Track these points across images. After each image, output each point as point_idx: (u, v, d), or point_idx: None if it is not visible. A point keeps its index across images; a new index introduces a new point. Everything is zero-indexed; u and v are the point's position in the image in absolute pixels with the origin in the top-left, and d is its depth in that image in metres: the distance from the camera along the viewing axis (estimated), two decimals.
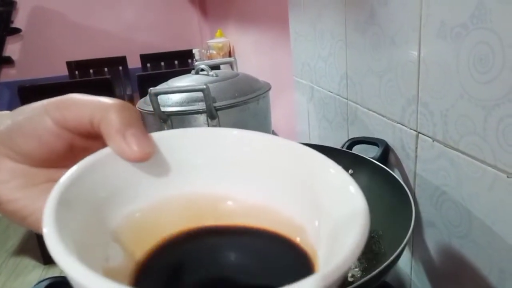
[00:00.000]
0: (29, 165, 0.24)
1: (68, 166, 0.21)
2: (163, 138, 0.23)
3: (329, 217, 0.20)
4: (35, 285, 0.40)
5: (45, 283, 0.40)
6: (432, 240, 0.52)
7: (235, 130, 0.24)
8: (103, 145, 0.22)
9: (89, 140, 0.24)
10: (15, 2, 2.70)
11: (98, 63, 2.64)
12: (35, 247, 1.98)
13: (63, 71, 2.61)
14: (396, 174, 0.53)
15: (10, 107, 2.51)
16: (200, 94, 0.68)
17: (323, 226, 0.21)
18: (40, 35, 2.91)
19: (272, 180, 0.23)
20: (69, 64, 2.61)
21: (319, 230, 0.21)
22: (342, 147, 0.65)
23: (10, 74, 2.94)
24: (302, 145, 0.23)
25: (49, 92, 1.67)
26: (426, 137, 0.50)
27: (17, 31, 2.80)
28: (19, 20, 2.83)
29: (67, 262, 0.15)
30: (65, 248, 0.15)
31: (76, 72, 2.62)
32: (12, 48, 2.88)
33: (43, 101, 0.24)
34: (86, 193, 0.20)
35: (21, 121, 0.23)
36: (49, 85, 1.68)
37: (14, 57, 2.90)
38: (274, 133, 1.27)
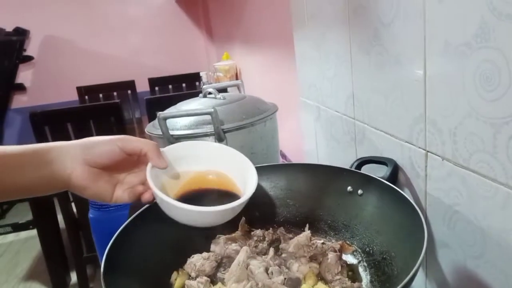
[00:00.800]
0: (99, 168, 0.47)
1: (118, 171, 0.49)
2: (170, 150, 0.52)
3: (243, 178, 0.51)
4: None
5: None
6: (446, 260, 0.51)
7: (214, 143, 0.64)
8: (138, 162, 0.50)
9: (132, 160, 0.49)
10: (28, 31, 2.78)
11: (107, 88, 2.69)
12: (44, 272, 1.97)
13: (73, 96, 2.66)
14: (407, 194, 0.53)
15: (22, 133, 2.53)
16: (208, 117, 0.68)
17: (242, 182, 0.51)
18: (51, 62, 2.99)
19: (228, 165, 0.53)
20: (79, 89, 2.66)
21: (242, 184, 0.51)
22: (351, 167, 0.64)
23: (22, 101, 3.00)
24: (236, 151, 0.54)
25: (60, 119, 1.68)
26: (435, 155, 0.50)
27: (29, 58, 2.88)
28: (31, 48, 2.91)
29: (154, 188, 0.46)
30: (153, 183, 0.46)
31: (86, 97, 2.67)
32: (24, 75, 2.96)
33: (113, 136, 0.47)
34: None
35: (100, 144, 0.47)
36: (59, 111, 1.71)
37: (26, 84, 2.97)
38: (282, 153, 1.27)
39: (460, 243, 0.48)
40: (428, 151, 0.51)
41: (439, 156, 0.49)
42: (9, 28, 2.66)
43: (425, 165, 0.52)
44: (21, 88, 2.92)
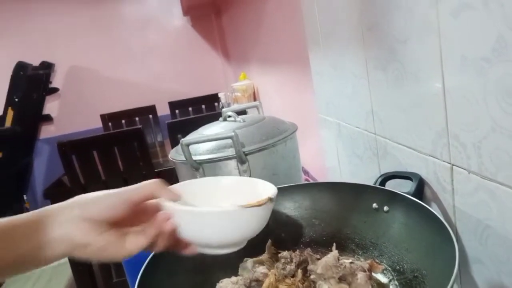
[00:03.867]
0: (103, 222, 0.41)
1: (126, 226, 0.42)
2: (183, 185, 0.51)
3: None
4: None
5: None
6: (481, 277, 0.50)
7: (223, 178, 0.56)
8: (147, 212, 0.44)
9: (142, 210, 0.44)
10: (53, 65, 2.91)
11: (129, 114, 2.76)
12: None
13: (98, 123, 2.74)
14: (434, 209, 0.52)
15: (50, 161, 2.62)
16: (229, 140, 0.69)
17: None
18: (75, 91, 3.11)
19: (242, 195, 0.49)
20: (103, 117, 2.75)
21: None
22: (375, 183, 0.64)
23: (50, 131, 3.11)
24: (251, 178, 0.55)
25: (86, 147, 1.73)
26: (461, 169, 0.49)
27: (55, 90, 3.00)
28: (57, 79, 3.04)
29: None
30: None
31: (110, 124, 2.75)
32: (50, 106, 3.08)
33: (114, 190, 0.42)
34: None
35: (99, 200, 0.42)
36: (85, 140, 1.76)
37: (52, 114, 3.09)
38: (304, 170, 1.27)
39: (493, 259, 0.46)
40: (453, 165, 0.51)
41: (465, 169, 0.48)
42: (36, 62, 2.79)
43: (451, 179, 0.51)
44: (48, 119, 3.04)
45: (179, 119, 2.59)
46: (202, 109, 2.73)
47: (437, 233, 0.47)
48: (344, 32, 0.75)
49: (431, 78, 0.51)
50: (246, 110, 1.03)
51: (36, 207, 3.23)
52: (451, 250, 0.42)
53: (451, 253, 0.42)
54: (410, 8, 0.52)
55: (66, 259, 1.94)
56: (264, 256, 0.59)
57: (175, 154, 0.78)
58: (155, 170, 1.80)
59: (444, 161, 0.52)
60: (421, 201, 0.53)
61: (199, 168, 0.72)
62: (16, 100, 2.69)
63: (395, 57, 0.58)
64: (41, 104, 2.87)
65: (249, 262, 0.58)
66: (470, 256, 0.51)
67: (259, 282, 0.54)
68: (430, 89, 0.52)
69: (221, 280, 0.56)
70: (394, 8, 0.56)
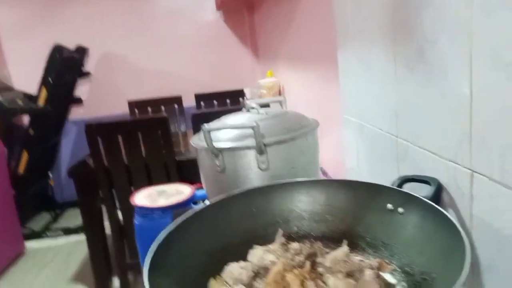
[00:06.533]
0: None
1: None
2: None
3: None
4: None
5: None
6: (492, 286, 0.49)
7: None
8: None
9: None
10: (88, 49, 3.00)
11: (155, 102, 2.82)
12: (90, 275, 2.07)
13: (125, 110, 2.81)
14: (450, 215, 0.51)
15: (77, 142, 2.71)
16: (250, 130, 0.70)
17: None
18: (106, 77, 3.20)
19: None
20: (130, 104, 2.81)
21: None
22: (393, 184, 0.63)
23: (79, 113, 3.22)
24: None
25: (111, 130, 1.80)
26: (481, 176, 0.48)
27: (87, 74, 3.10)
28: (90, 64, 3.13)
29: None
30: None
31: (136, 111, 2.81)
32: (81, 90, 3.18)
33: None
34: None
35: None
36: (111, 124, 1.81)
37: (83, 97, 3.19)
38: (322, 170, 1.26)
39: (508, 268, 0.45)
40: (473, 171, 0.50)
41: (486, 176, 0.47)
42: (71, 46, 2.89)
43: (471, 186, 0.51)
44: (78, 101, 3.13)
45: (203, 110, 2.62)
46: (227, 103, 2.75)
47: (450, 238, 0.46)
48: (374, 29, 0.75)
49: (459, 80, 0.50)
50: (270, 104, 1.04)
51: (60, 184, 3.35)
52: (463, 255, 0.42)
53: (463, 259, 0.41)
54: (443, 6, 0.51)
55: (83, 237, 2.00)
56: (274, 246, 0.59)
57: (196, 140, 0.80)
58: (177, 159, 1.84)
59: (464, 167, 0.51)
60: (438, 206, 0.52)
61: (218, 155, 0.73)
62: (50, 81, 2.79)
63: (424, 57, 0.58)
64: (73, 86, 2.97)
65: (259, 249, 0.59)
66: (483, 264, 0.50)
67: (266, 270, 0.55)
68: (457, 92, 0.51)
69: (229, 264, 0.57)
70: (427, 5, 0.55)
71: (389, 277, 0.53)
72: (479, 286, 0.51)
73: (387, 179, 0.74)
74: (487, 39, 0.44)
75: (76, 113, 3.21)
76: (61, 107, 2.96)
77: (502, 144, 0.44)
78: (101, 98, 3.22)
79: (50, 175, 3.16)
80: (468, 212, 0.52)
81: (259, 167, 0.73)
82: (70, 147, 3.25)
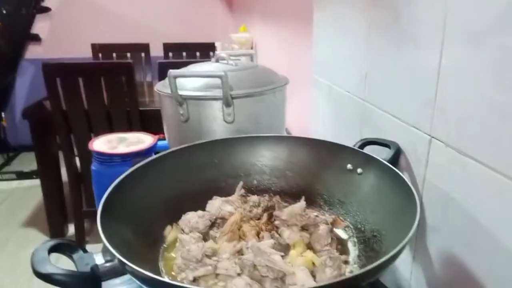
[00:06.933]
0: None
1: None
2: None
3: None
4: (41, 244, 0.41)
5: (49, 244, 0.41)
6: (435, 246, 0.52)
7: None
8: None
9: None
10: None
11: (121, 48, 2.68)
12: (43, 221, 2.03)
13: (88, 53, 2.66)
14: (405, 177, 0.53)
15: (33, 83, 2.57)
16: (217, 81, 0.68)
17: None
18: (68, 15, 2.97)
19: None
20: (94, 46, 2.66)
21: None
22: (354, 146, 0.64)
23: (37, 52, 3.00)
24: None
25: (72, 72, 1.70)
26: (439, 142, 0.50)
27: (46, 10, 2.87)
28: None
29: None
30: None
31: (100, 55, 2.67)
32: (40, 26, 2.95)
33: None
34: None
35: None
36: (72, 65, 1.71)
37: (42, 36, 2.97)
38: (287, 131, 1.27)
39: (452, 230, 0.48)
40: (432, 137, 0.51)
41: (443, 142, 0.49)
42: None
43: (428, 151, 0.52)
44: (36, 38, 2.92)
45: (171, 60, 2.53)
46: (197, 56, 2.67)
47: (403, 199, 0.48)
48: None
49: (431, 47, 0.50)
50: (240, 58, 1.01)
51: (13, 126, 3.17)
52: (413, 215, 0.43)
53: (412, 218, 0.43)
54: None
55: (38, 182, 1.94)
56: (233, 197, 0.60)
57: (161, 87, 0.77)
58: (140, 109, 1.78)
59: (424, 132, 0.53)
60: (395, 168, 0.53)
61: (183, 103, 0.71)
62: (4, 11, 2.56)
63: (399, 21, 0.57)
64: (30, 21, 2.75)
65: (217, 200, 0.59)
66: (429, 225, 0.53)
67: (224, 220, 0.55)
68: (426, 58, 0.51)
69: (187, 213, 0.56)
70: None
71: (341, 233, 0.55)
72: (423, 245, 0.54)
73: (350, 142, 0.76)
74: (462, 10, 0.43)
75: (34, 52, 3.00)
76: (16, 43, 2.75)
77: (461, 112, 0.45)
78: (63, 38, 3.01)
79: (3, 115, 2.98)
80: (421, 176, 0.54)
81: (224, 119, 0.72)
82: (26, 88, 3.06)
